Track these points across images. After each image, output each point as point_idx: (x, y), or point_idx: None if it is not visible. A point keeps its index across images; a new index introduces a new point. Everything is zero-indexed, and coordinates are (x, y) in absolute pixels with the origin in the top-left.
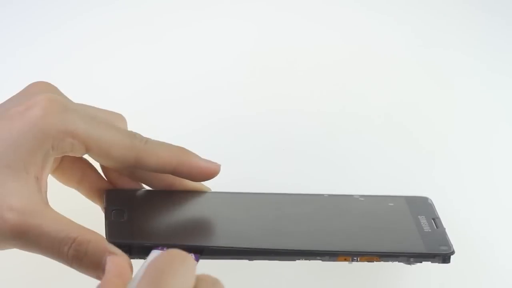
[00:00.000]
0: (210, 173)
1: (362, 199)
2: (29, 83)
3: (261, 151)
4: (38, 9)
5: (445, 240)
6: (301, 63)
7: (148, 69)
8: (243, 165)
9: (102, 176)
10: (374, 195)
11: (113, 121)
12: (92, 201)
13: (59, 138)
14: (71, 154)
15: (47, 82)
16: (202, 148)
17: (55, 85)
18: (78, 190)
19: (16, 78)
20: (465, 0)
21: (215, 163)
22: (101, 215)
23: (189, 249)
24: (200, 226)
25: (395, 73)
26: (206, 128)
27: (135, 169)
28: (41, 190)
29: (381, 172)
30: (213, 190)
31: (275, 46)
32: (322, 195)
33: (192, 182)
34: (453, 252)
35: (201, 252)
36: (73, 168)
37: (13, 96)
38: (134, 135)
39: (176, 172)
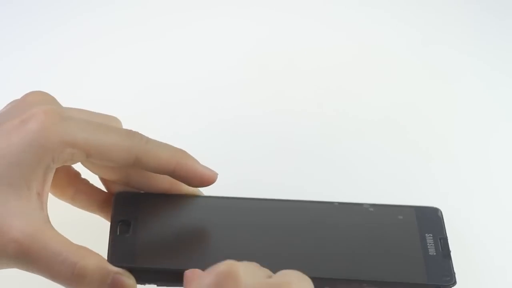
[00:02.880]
0: (207, 180)
1: (371, 209)
2: (25, 93)
3: (262, 152)
4: (36, 9)
5: (448, 269)
6: (302, 64)
7: (148, 70)
8: (244, 167)
9: (96, 188)
10: (384, 204)
11: (109, 123)
12: (89, 212)
13: (58, 150)
14: (71, 163)
15: (42, 92)
16: (202, 149)
17: (54, 86)
18: (73, 204)
19: (14, 79)
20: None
21: (213, 171)
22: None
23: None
24: (206, 247)
25: (396, 74)
26: (206, 129)
27: (133, 168)
28: (43, 206)
29: (382, 173)
30: (215, 192)
31: (276, 47)
32: (332, 203)
33: (188, 187)
34: (454, 283)
35: None
36: (66, 184)
37: (7, 108)
38: (133, 135)
39: (175, 174)
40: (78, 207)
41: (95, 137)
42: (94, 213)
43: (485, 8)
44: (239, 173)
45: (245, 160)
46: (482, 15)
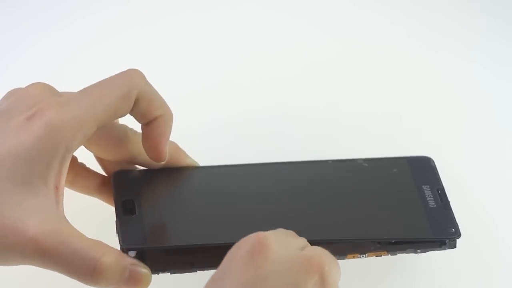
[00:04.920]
0: (159, 152)
1: (366, 164)
2: (26, 86)
3: (262, 148)
4: (43, 10)
5: (452, 221)
6: (302, 61)
7: (149, 70)
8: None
9: (93, 171)
10: (376, 158)
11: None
12: (87, 195)
13: (70, 138)
14: (84, 142)
15: (43, 83)
16: (201, 146)
17: (60, 87)
18: (71, 189)
19: (22, 80)
20: (464, 2)
21: (163, 153)
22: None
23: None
24: (213, 218)
25: (395, 71)
26: (205, 126)
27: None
28: (59, 200)
29: None
30: None
31: (275, 46)
32: (326, 161)
33: (187, 159)
34: (459, 236)
35: None
36: None
37: (10, 101)
38: (131, 75)
39: (151, 125)
40: (77, 191)
41: (98, 103)
42: (93, 196)
43: (484, 9)
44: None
45: (245, 153)
46: (483, 18)
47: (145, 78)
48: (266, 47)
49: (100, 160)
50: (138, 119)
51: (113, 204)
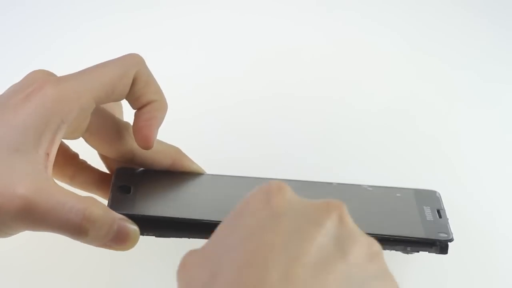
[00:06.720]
0: (145, 135)
1: (370, 189)
2: (28, 73)
3: (263, 146)
4: (47, 12)
5: (445, 227)
6: (305, 59)
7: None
8: (246, 163)
9: (94, 168)
10: (382, 186)
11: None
12: (87, 191)
13: (66, 110)
14: (84, 115)
15: (43, 70)
16: (201, 148)
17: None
18: (71, 185)
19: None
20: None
21: (150, 139)
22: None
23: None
24: (206, 206)
25: (394, 73)
26: (206, 128)
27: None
28: (48, 166)
29: (383, 167)
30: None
31: (276, 48)
32: (331, 183)
33: (192, 165)
34: (451, 240)
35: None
36: (65, 165)
37: (12, 87)
38: (129, 58)
39: (143, 110)
40: (77, 187)
41: (96, 79)
42: (93, 193)
43: (480, 10)
44: (239, 170)
45: (245, 155)
46: (478, 17)
47: (144, 61)
48: (266, 49)
49: (104, 158)
50: (132, 103)
51: None
